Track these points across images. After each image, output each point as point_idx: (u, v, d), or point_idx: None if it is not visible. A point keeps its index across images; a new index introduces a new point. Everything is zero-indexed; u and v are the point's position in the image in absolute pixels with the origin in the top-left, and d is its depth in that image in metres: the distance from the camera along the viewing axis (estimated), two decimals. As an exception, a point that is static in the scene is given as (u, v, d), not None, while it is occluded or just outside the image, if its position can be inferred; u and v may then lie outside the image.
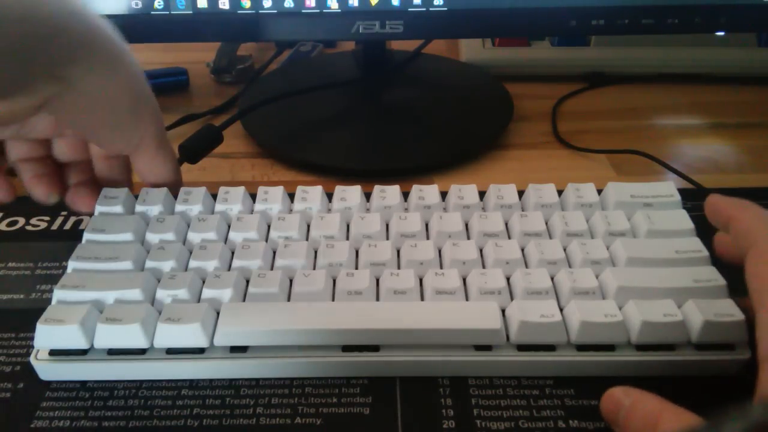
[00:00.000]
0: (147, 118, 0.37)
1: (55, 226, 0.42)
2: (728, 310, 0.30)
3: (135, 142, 0.37)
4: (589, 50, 0.61)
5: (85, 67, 0.31)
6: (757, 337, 0.25)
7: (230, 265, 0.34)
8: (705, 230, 0.34)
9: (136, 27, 0.45)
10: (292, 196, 0.39)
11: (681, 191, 0.39)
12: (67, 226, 0.42)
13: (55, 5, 0.29)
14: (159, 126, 0.38)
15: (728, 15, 0.45)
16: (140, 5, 0.45)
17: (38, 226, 0.43)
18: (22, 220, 0.43)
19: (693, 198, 0.43)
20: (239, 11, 0.45)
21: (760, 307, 0.25)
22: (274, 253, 0.35)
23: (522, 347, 0.31)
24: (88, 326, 0.30)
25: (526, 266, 0.34)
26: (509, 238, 0.36)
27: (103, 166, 0.40)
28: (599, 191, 0.39)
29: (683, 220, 0.36)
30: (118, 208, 0.37)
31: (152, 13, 0.45)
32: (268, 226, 0.37)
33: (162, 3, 0.45)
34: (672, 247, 0.34)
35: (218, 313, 0.31)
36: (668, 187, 0.38)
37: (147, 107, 0.36)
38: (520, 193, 0.39)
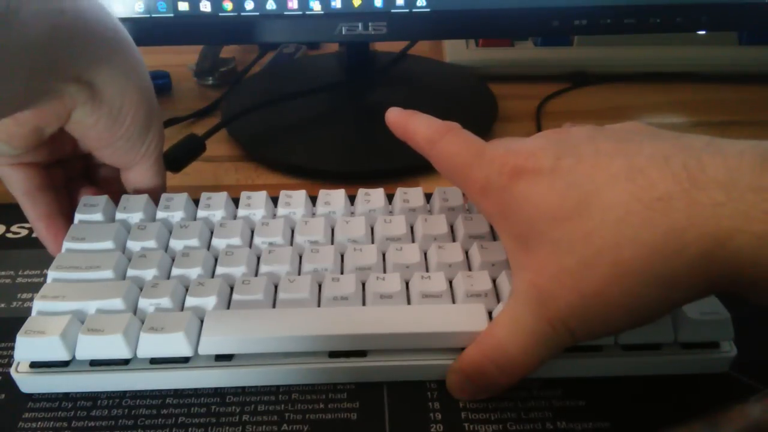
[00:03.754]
0: (155, 128, 0.36)
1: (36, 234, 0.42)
2: (714, 308, 0.30)
3: (142, 152, 0.36)
4: (572, 50, 0.61)
5: (108, 71, 0.31)
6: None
7: (214, 272, 0.34)
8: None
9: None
10: (275, 201, 0.39)
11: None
12: (48, 234, 0.42)
13: (79, 3, 0.29)
14: (162, 136, 0.37)
15: (709, 14, 0.46)
16: (122, 9, 0.44)
17: (19, 233, 0.42)
18: (2, 228, 0.42)
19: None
20: (221, 14, 0.45)
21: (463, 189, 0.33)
22: (258, 259, 0.35)
23: (509, 349, 0.31)
24: (70, 337, 0.30)
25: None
26: (494, 239, 0.36)
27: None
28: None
29: None
30: (98, 216, 0.37)
31: (133, 16, 0.44)
32: (252, 232, 0.37)
33: (143, 6, 0.44)
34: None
35: (202, 322, 0.31)
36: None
37: (156, 117, 0.36)
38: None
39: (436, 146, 0.30)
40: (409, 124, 0.32)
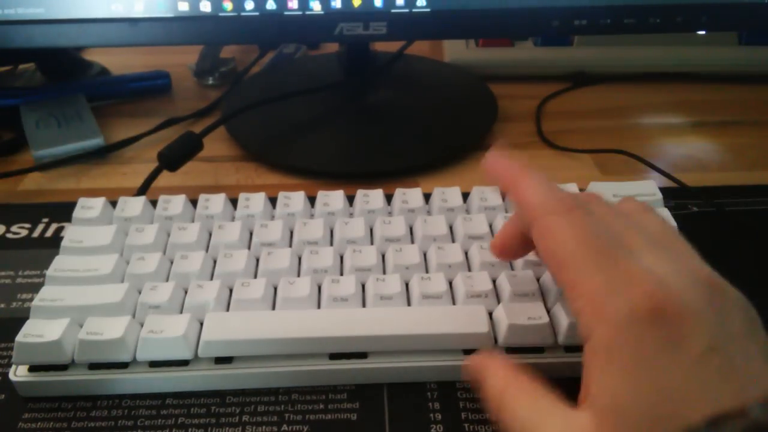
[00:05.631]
0: None
1: (36, 234, 0.42)
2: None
3: None
4: (572, 50, 0.61)
5: None
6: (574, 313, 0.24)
7: (213, 274, 0.34)
8: (688, 228, 0.34)
9: (119, 31, 0.44)
10: (274, 202, 0.39)
11: (665, 190, 0.39)
12: (49, 234, 0.42)
13: None
14: None
15: (709, 14, 0.46)
16: (122, 9, 0.44)
17: (19, 233, 0.42)
18: (2, 228, 0.42)
19: (676, 196, 0.43)
20: (221, 14, 0.45)
21: (563, 284, 0.25)
22: (258, 260, 0.35)
23: (510, 350, 0.31)
24: (68, 340, 0.30)
25: (512, 268, 0.34)
26: (494, 240, 0.36)
27: None
28: (581, 191, 0.39)
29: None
30: (96, 218, 0.37)
31: (133, 16, 0.44)
32: (251, 233, 0.37)
33: (143, 6, 0.44)
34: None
35: (202, 324, 0.31)
36: (650, 186, 0.38)
37: None
38: (504, 195, 0.39)
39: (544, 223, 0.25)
40: (520, 184, 0.27)
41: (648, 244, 0.24)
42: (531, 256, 0.33)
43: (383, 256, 0.35)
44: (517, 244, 0.30)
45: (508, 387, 0.25)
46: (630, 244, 0.24)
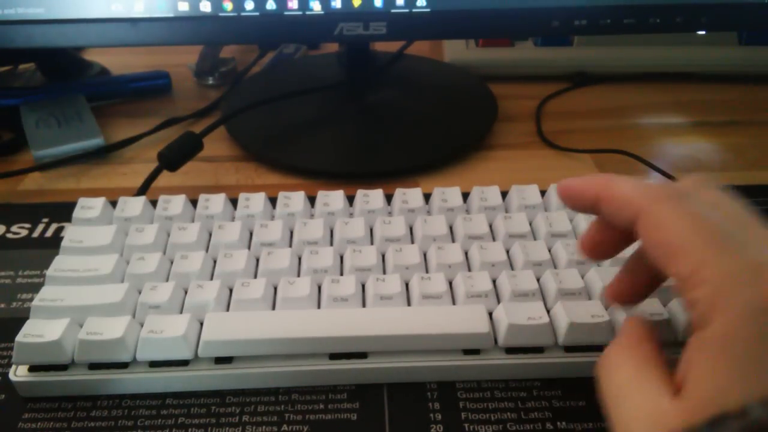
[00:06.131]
0: None
1: (36, 234, 0.42)
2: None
3: None
4: (572, 50, 0.61)
5: None
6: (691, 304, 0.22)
7: (213, 274, 0.34)
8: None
9: (119, 31, 0.44)
10: (274, 202, 0.39)
11: (665, 191, 0.39)
12: (49, 234, 0.42)
13: None
14: None
15: (709, 14, 0.46)
16: (122, 9, 0.44)
17: (19, 233, 0.42)
18: (2, 228, 0.42)
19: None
20: (221, 14, 0.45)
21: (678, 274, 0.23)
22: (258, 260, 0.35)
23: (510, 350, 0.31)
24: (68, 340, 0.30)
25: (512, 268, 0.34)
26: (494, 240, 0.36)
27: None
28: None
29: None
30: (96, 218, 0.36)
31: (133, 16, 0.44)
32: (251, 233, 0.37)
33: (143, 6, 0.44)
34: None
35: (202, 324, 0.31)
36: (651, 187, 0.38)
37: None
38: (504, 194, 0.39)
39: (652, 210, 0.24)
40: (612, 186, 0.26)
41: (763, 234, 0.23)
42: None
43: (383, 256, 0.35)
44: (608, 243, 0.28)
45: (624, 348, 0.24)
46: (747, 231, 0.23)
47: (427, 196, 0.39)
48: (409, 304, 0.32)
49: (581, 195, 0.27)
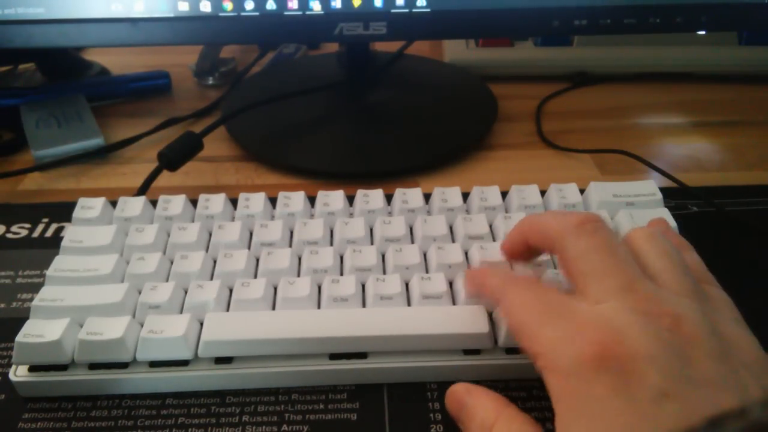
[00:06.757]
0: None
1: (36, 234, 0.42)
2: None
3: None
4: (573, 50, 0.61)
5: None
6: None
7: (213, 274, 0.34)
8: (687, 228, 0.34)
9: (119, 31, 0.45)
10: (274, 202, 0.39)
11: (665, 190, 0.39)
12: (49, 234, 0.42)
13: None
14: None
15: (709, 14, 0.46)
16: (122, 9, 0.44)
17: (19, 233, 0.42)
18: (2, 228, 0.42)
19: (676, 196, 0.43)
20: (221, 14, 0.45)
21: (525, 352, 0.25)
22: (258, 260, 0.35)
23: (510, 350, 0.31)
24: (68, 340, 0.30)
25: (512, 268, 0.34)
26: (494, 240, 0.36)
27: None
28: (582, 191, 0.39)
29: (665, 219, 0.36)
30: (96, 218, 0.36)
31: (133, 16, 0.44)
32: (251, 233, 0.37)
33: (143, 6, 0.44)
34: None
35: (202, 324, 0.31)
36: (650, 186, 0.38)
37: None
38: (504, 194, 0.39)
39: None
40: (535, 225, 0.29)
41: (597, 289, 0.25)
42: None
43: (383, 256, 0.35)
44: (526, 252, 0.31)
45: (499, 417, 0.25)
46: (581, 291, 0.25)
47: (427, 196, 0.39)
48: (409, 304, 0.32)
49: (482, 289, 0.30)
